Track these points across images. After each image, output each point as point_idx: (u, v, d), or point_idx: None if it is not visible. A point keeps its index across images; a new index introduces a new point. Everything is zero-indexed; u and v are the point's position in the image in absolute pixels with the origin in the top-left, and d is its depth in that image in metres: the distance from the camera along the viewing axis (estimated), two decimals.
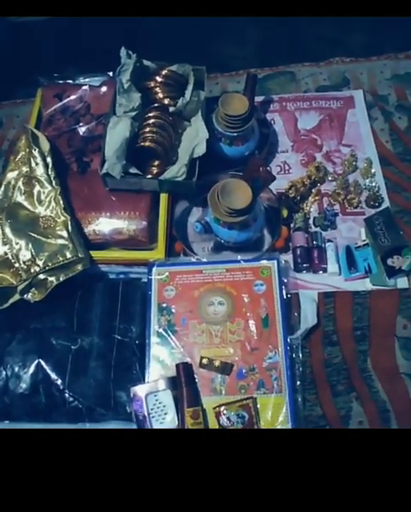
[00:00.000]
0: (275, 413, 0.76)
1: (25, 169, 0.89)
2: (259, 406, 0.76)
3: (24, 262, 0.81)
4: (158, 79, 0.91)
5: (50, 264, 0.80)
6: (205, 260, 0.86)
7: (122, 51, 0.88)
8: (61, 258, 0.81)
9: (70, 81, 1.02)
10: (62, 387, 0.78)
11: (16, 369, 0.79)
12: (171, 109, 0.88)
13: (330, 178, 0.97)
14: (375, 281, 0.85)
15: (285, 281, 0.84)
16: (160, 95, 0.90)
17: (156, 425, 0.75)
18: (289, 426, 0.75)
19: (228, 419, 0.75)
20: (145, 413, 0.75)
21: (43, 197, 0.87)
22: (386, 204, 0.93)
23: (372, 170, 0.97)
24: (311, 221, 0.93)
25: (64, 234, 0.83)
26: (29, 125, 0.96)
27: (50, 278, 0.81)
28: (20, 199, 0.88)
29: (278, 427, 0.75)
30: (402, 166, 0.98)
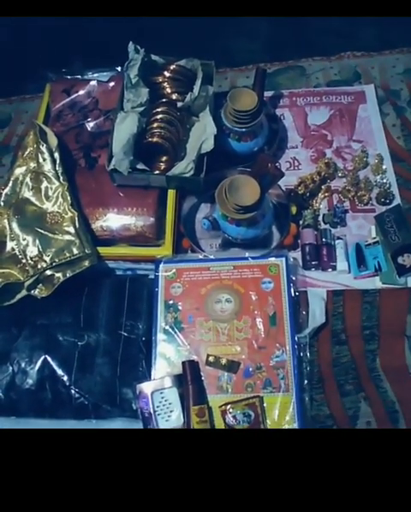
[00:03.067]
0: (282, 413, 0.75)
1: (33, 164, 0.89)
2: (265, 405, 0.75)
3: (31, 258, 0.81)
4: (166, 74, 0.90)
5: (56, 260, 0.80)
6: (212, 257, 0.85)
7: (130, 46, 0.88)
8: (68, 255, 0.80)
9: (78, 76, 1.01)
10: (68, 383, 0.78)
11: (23, 365, 0.79)
12: (179, 104, 0.87)
13: (340, 174, 0.95)
14: (385, 279, 0.84)
15: (293, 278, 0.83)
16: (168, 90, 0.89)
17: (161, 423, 0.74)
18: (296, 426, 0.74)
19: (234, 417, 0.74)
20: (151, 411, 0.75)
21: (50, 193, 0.87)
22: (397, 201, 0.92)
23: (383, 167, 0.95)
24: (320, 218, 0.92)
25: (71, 230, 0.83)
26: (37, 120, 0.96)
27: (57, 274, 0.80)
28: (27, 194, 0.87)
29: (285, 427, 0.74)
30: None
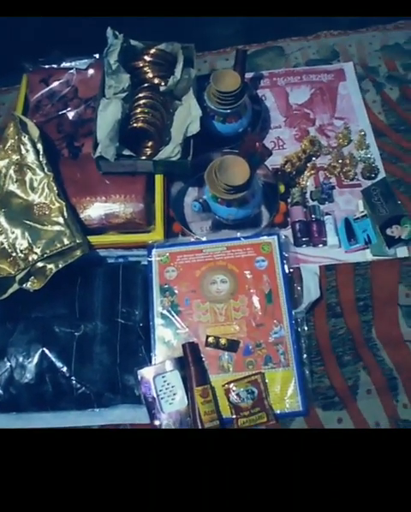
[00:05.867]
0: (284, 387, 0.76)
1: (15, 156, 0.87)
2: (267, 381, 0.76)
3: (21, 251, 0.80)
4: (147, 58, 0.89)
5: (48, 252, 0.79)
6: (204, 239, 0.85)
7: (109, 32, 0.87)
8: (58, 245, 0.79)
9: (55, 66, 0.99)
10: (68, 374, 0.77)
11: (20, 359, 0.78)
12: (162, 88, 0.86)
13: (324, 152, 0.96)
14: (375, 251, 0.86)
15: (286, 256, 0.84)
16: (150, 75, 0.89)
17: (166, 407, 0.75)
18: (299, 399, 0.76)
19: (237, 395, 0.75)
20: (154, 395, 0.75)
21: (35, 184, 0.85)
22: (382, 175, 0.93)
23: (367, 142, 0.96)
24: (308, 195, 0.93)
25: (60, 220, 0.82)
26: (16, 112, 0.94)
27: (49, 266, 0.80)
28: (12, 187, 0.86)
29: (287, 401, 0.76)
30: (396, 137, 0.98)
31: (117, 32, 0.87)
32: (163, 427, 0.74)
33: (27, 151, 0.87)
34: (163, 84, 0.87)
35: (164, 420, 0.74)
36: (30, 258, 0.79)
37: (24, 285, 0.79)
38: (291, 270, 0.84)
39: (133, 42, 0.90)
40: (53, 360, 0.78)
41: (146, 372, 0.76)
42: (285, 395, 0.76)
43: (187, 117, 0.86)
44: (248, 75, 1.04)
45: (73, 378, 0.77)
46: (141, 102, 0.86)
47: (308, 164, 0.95)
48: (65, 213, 0.82)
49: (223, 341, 0.78)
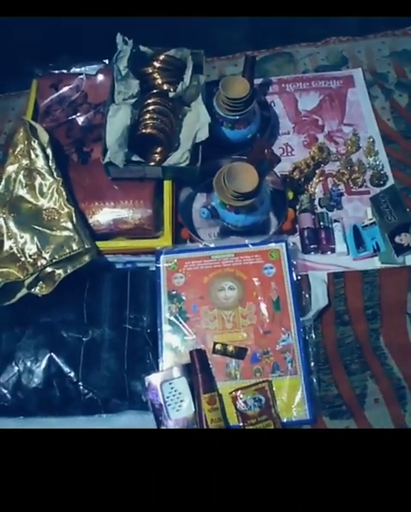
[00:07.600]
0: (291, 395, 0.76)
1: (25, 161, 0.88)
2: (274, 388, 0.76)
3: (30, 256, 0.80)
4: (156, 64, 0.89)
5: (56, 257, 0.79)
6: (212, 246, 0.85)
7: (119, 38, 0.87)
8: (67, 250, 0.80)
9: (65, 71, 1.00)
10: (75, 380, 0.77)
11: (28, 364, 0.79)
12: (171, 94, 0.86)
13: (333, 158, 0.96)
14: (384, 259, 0.85)
15: (294, 263, 0.83)
16: (159, 81, 0.89)
17: (173, 413, 0.75)
18: (306, 407, 0.75)
19: (244, 403, 0.75)
20: (161, 402, 0.75)
21: (45, 189, 0.86)
22: (391, 182, 0.93)
23: (375, 149, 0.96)
24: (316, 202, 0.92)
25: (69, 225, 0.82)
26: (26, 117, 0.95)
27: (58, 271, 0.80)
28: (21, 192, 0.86)
29: (295, 409, 0.75)
30: (406, 143, 0.97)
31: (127, 38, 0.88)
32: None
33: (37, 156, 0.87)
34: (172, 90, 0.87)
35: (171, 427, 0.74)
36: (39, 264, 0.79)
37: (32, 290, 0.80)
38: (299, 277, 0.84)
39: (142, 48, 0.90)
40: (61, 365, 0.78)
41: (154, 379, 0.76)
42: (292, 403, 0.76)
43: (195, 123, 0.86)
44: (257, 81, 1.04)
45: (80, 383, 0.77)
46: (150, 108, 0.86)
47: (317, 171, 0.95)
48: (74, 218, 0.83)
49: (230, 348, 0.78)
